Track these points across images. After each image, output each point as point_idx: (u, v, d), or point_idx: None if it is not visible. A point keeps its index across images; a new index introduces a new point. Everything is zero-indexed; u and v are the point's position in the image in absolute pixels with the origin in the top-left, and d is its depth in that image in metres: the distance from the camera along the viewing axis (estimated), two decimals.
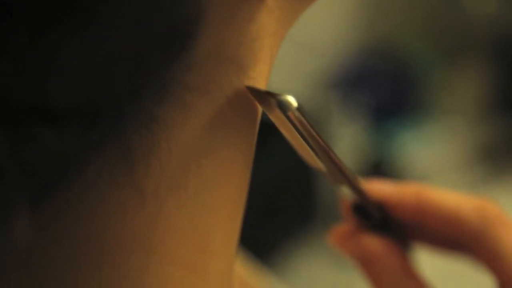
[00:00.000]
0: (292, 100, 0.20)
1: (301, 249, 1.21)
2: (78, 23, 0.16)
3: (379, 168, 1.27)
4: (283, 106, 0.20)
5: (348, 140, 1.28)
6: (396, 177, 1.29)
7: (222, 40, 0.19)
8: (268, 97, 0.21)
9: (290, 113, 0.21)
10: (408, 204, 0.33)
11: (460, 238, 0.33)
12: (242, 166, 0.22)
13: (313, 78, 1.41)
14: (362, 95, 1.34)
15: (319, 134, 0.23)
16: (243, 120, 0.22)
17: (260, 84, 0.22)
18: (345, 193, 0.31)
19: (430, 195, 0.33)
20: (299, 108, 0.21)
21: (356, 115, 1.29)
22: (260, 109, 0.23)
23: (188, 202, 0.20)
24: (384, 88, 1.41)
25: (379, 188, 0.33)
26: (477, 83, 1.49)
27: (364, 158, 1.28)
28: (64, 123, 0.17)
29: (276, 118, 0.22)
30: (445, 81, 1.50)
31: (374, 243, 0.32)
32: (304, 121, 0.22)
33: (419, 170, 1.38)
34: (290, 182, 1.20)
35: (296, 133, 0.22)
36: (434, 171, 1.41)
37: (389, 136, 1.36)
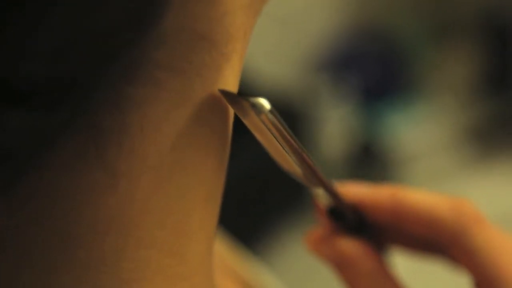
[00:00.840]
0: (265, 103, 0.20)
1: (286, 236, 1.21)
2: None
3: (369, 149, 1.27)
4: (256, 109, 0.20)
5: (337, 121, 1.28)
6: (385, 158, 1.29)
7: (192, 15, 0.19)
8: (241, 100, 0.21)
9: (263, 116, 0.20)
10: (384, 206, 0.33)
11: (436, 239, 0.32)
12: (219, 147, 0.22)
13: (302, 59, 1.41)
14: (351, 76, 1.33)
15: (292, 136, 0.23)
16: (218, 101, 0.21)
17: (235, 61, 0.21)
18: (320, 196, 0.31)
19: (405, 197, 0.33)
20: (272, 111, 0.20)
21: (345, 97, 1.29)
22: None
23: (162, 183, 0.20)
24: (373, 69, 1.41)
25: (354, 191, 0.33)
26: (466, 64, 1.50)
27: (353, 140, 1.28)
28: (31, 103, 0.16)
29: (249, 122, 0.21)
30: (434, 62, 1.50)
31: (349, 246, 0.32)
32: (278, 124, 0.21)
33: (408, 151, 1.38)
34: (277, 169, 1.20)
35: (270, 136, 0.22)
36: (423, 152, 1.41)
37: (379, 117, 1.36)
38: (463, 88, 1.50)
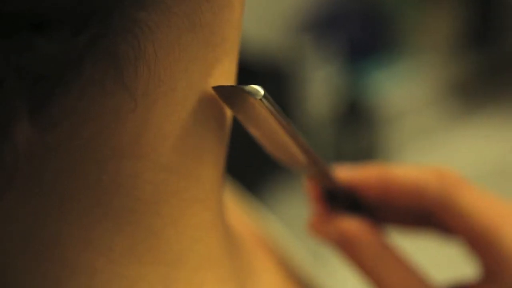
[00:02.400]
0: (259, 88, 0.21)
1: (287, 183, 1.22)
2: None
3: (355, 108, 1.28)
4: (251, 95, 0.21)
5: (323, 81, 1.29)
6: (371, 116, 1.30)
7: None
8: (235, 90, 0.22)
9: (258, 101, 0.21)
10: (373, 185, 0.34)
11: (426, 208, 0.34)
12: (229, 69, 0.23)
13: (286, 20, 1.41)
14: (336, 35, 1.34)
15: (287, 121, 0.24)
16: (224, 20, 0.22)
17: None
18: (314, 179, 0.32)
19: (392, 172, 0.34)
20: (266, 95, 0.21)
21: (330, 56, 1.30)
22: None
23: (177, 107, 0.21)
24: (357, 28, 1.41)
25: (344, 174, 0.34)
26: (449, 20, 1.50)
27: (339, 99, 1.29)
28: (54, 29, 0.17)
29: (244, 113, 0.23)
30: (417, 19, 1.50)
31: (348, 224, 0.33)
32: (272, 109, 0.22)
33: (394, 108, 1.39)
34: None
35: (263, 125, 0.23)
36: (409, 109, 1.42)
37: (364, 75, 1.37)
38: (446, 44, 1.51)
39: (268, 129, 0.24)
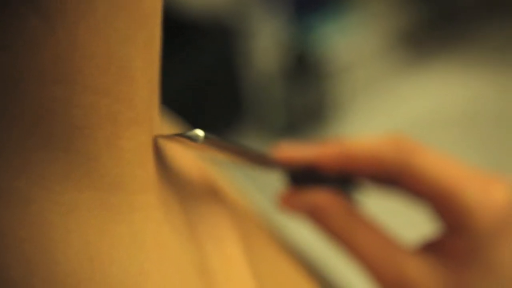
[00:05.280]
0: (198, 132, 0.23)
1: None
2: None
3: (303, 61, 1.27)
4: (193, 140, 0.23)
5: (270, 35, 1.28)
6: (320, 69, 1.29)
7: None
8: (177, 138, 0.23)
9: (200, 144, 0.23)
10: (334, 161, 0.36)
11: (387, 177, 0.36)
12: None
13: None
14: None
15: (231, 146, 0.26)
16: None
17: None
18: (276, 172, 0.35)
19: (350, 147, 0.36)
20: (206, 136, 0.23)
21: (276, 9, 1.28)
22: None
23: (99, 26, 0.20)
24: None
25: (304, 153, 0.36)
26: None
27: (287, 53, 1.27)
28: None
29: (192, 147, 0.24)
30: None
31: (317, 195, 0.35)
32: (217, 143, 0.24)
33: (342, 60, 1.39)
34: (217, 80, 1.20)
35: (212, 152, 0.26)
36: (357, 60, 1.42)
37: (311, 28, 1.36)
38: None
39: (216, 153, 0.26)
